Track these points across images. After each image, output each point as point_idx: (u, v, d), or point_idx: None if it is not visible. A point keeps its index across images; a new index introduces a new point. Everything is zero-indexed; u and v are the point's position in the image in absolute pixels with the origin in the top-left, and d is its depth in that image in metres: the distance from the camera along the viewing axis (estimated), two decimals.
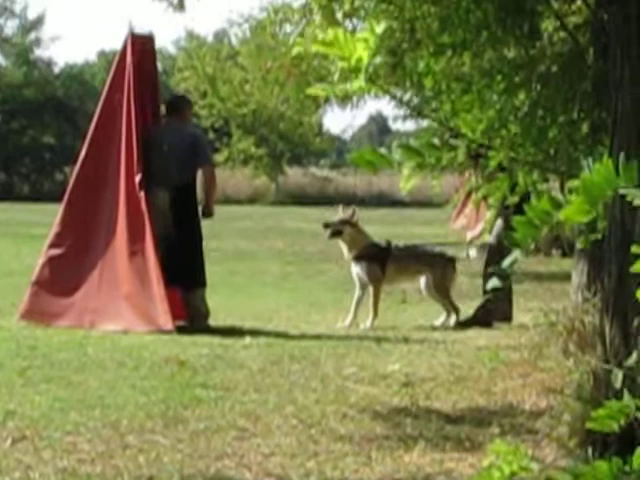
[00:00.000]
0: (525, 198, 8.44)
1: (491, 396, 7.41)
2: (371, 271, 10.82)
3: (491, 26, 7.26)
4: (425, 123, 13.56)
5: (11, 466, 5.58)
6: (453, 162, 9.16)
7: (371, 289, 10.76)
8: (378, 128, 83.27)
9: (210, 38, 47.68)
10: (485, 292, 10.58)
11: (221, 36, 47.78)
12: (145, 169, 10.02)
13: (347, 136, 56.04)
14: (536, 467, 2.22)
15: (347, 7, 7.67)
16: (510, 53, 7.63)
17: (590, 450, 5.44)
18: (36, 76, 45.81)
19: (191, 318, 10.15)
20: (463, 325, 10.68)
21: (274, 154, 42.28)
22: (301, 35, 8.19)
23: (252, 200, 41.39)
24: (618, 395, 2.38)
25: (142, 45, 10.32)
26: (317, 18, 7.85)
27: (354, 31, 7.25)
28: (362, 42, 2.13)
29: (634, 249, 2.04)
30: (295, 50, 5.28)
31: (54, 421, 6.44)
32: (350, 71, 2.16)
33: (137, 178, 9.97)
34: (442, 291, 11.00)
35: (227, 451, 5.94)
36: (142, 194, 9.94)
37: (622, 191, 1.94)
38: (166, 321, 9.65)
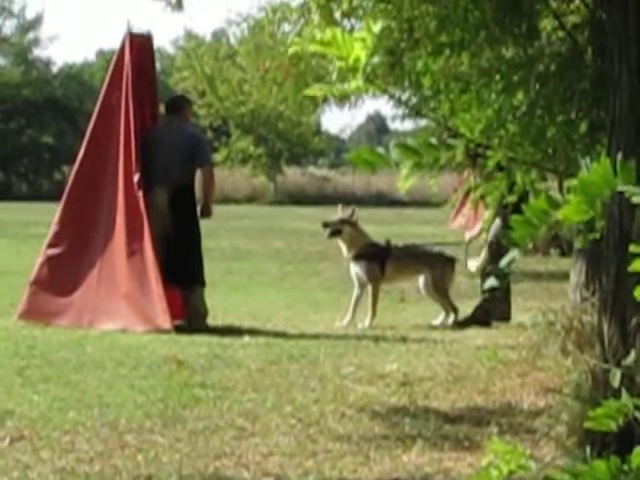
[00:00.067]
0: (523, 197, 8.45)
1: (489, 395, 7.42)
2: (370, 270, 10.82)
3: (489, 26, 7.26)
4: (424, 123, 13.57)
5: (9, 465, 5.58)
6: (451, 161, 9.19)
7: (370, 288, 10.76)
8: (376, 127, 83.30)
9: (208, 38, 47.73)
10: (483, 291, 10.59)
11: (219, 36, 47.76)
12: (144, 168, 10.02)
13: (345, 136, 56.17)
14: (534, 466, 2.22)
15: (345, 6, 7.67)
16: (508, 52, 7.63)
17: (588, 449, 5.43)
18: (34, 76, 45.82)
19: (189, 317, 10.15)
20: (461, 325, 10.69)
21: (272, 154, 42.29)
22: (299, 34, 8.18)
23: (250, 199, 41.40)
24: (616, 394, 2.38)
25: (140, 44, 10.32)
26: (315, 17, 7.84)
27: (352, 30, 7.25)
28: (360, 41, 2.13)
29: (632, 248, 2.04)
30: (292, 49, 5.27)
31: (52, 420, 6.44)
32: (348, 71, 2.16)
33: (136, 177, 9.97)
34: (441, 291, 11.01)
35: (225, 450, 5.94)
36: (141, 193, 9.95)
37: (620, 188, 1.94)
38: (164, 320, 9.65)
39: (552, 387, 7.10)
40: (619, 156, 1.98)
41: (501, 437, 5.94)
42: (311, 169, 48.31)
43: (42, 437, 6.09)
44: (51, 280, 10.11)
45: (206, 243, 10.96)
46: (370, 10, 7.61)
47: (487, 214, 11.44)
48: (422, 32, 7.50)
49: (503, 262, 2.16)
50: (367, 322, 10.53)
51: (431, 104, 8.12)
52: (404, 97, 7.97)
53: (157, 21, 51.55)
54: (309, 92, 2.32)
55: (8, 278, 13.42)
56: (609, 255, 5.72)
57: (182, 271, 10.08)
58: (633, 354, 4.80)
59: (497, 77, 7.52)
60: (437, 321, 10.87)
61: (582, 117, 7.39)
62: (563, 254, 17.75)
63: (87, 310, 9.91)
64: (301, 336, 9.70)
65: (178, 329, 9.66)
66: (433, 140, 2.18)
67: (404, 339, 9.60)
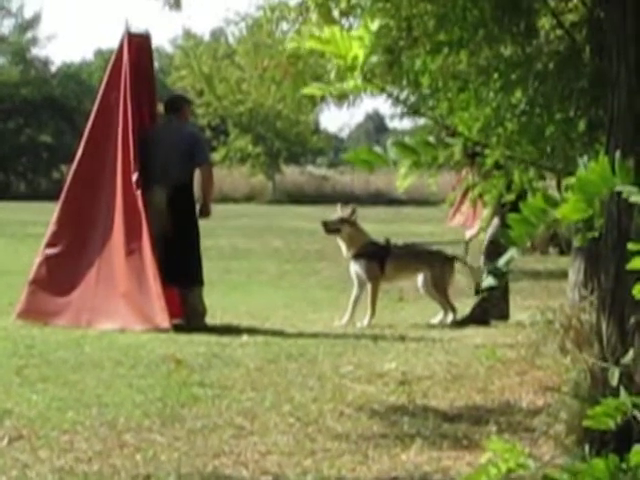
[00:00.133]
0: (521, 196, 8.44)
1: (488, 394, 7.42)
2: (370, 269, 10.81)
3: (488, 24, 7.26)
4: (422, 121, 13.57)
5: (8, 465, 5.58)
6: (450, 160, 9.18)
7: (369, 287, 10.76)
8: (375, 126, 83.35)
9: (207, 37, 47.71)
10: (481, 291, 10.58)
11: (218, 35, 47.76)
12: (143, 168, 10.02)
13: (344, 134, 56.20)
14: (533, 465, 2.22)
15: (343, 5, 7.67)
16: (507, 51, 7.62)
17: (587, 448, 5.42)
18: (33, 75, 45.77)
19: (188, 316, 10.15)
20: (460, 323, 10.69)
21: (271, 152, 42.26)
22: (298, 33, 8.18)
23: (249, 198, 41.38)
24: (615, 393, 2.38)
25: (139, 44, 10.32)
26: (313, 16, 7.84)
27: (350, 29, 7.24)
28: (358, 40, 2.12)
29: (631, 246, 2.04)
30: (290, 45, 5.24)
31: (51, 420, 6.44)
32: (346, 69, 2.15)
33: (134, 177, 9.97)
34: (440, 289, 11.01)
35: (224, 449, 5.94)
36: (139, 193, 9.94)
37: (619, 188, 1.94)
38: (163, 319, 9.65)
39: (551, 386, 7.10)
40: (617, 154, 1.98)
41: (500, 436, 5.94)
42: (310, 168, 48.30)
43: (41, 436, 6.09)
44: (49, 279, 10.11)
45: (204, 242, 10.96)
46: (368, 8, 7.60)
47: (485, 213, 11.44)
48: (420, 30, 7.49)
49: (501, 261, 2.16)
50: (366, 321, 10.52)
51: (429, 103, 8.12)
52: (402, 96, 7.96)
53: (155, 20, 51.46)
54: (307, 91, 2.31)
55: (6, 278, 13.42)
56: (608, 254, 5.72)
57: (181, 270, 10.08)
58: (631, 353, 4.80)
59: (495, 75, 7.52)
60: (436, 320, 10.87)
61: (580, 115, 7.39)
62: (562, 253, 17.75)
63: (85, 309, 9.91)
64: (300, 335, 9.70)
65: (177, 328, 9.66)
66: (431, 139, 2.18)
67: (403, 338, 9.60)
